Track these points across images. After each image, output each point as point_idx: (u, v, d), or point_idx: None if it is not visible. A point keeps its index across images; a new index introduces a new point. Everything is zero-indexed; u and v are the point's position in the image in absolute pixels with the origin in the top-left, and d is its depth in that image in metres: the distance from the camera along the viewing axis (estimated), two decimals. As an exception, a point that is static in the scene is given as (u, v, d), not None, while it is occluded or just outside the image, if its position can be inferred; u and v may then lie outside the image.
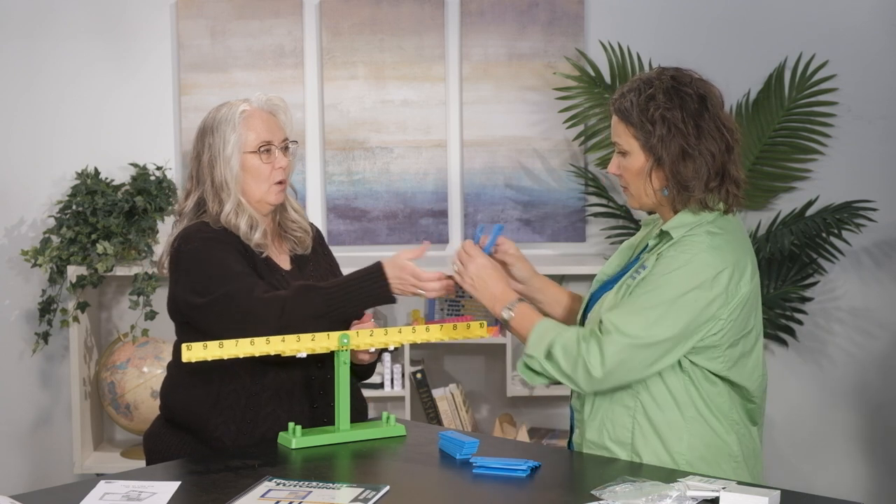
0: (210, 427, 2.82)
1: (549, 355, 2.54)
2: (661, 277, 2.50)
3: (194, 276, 2.78)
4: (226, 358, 2.65)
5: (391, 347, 2.84)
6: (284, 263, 2.93)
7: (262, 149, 2.86)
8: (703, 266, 2.50)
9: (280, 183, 2.89)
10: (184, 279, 2.80)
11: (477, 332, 2.83)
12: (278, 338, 2.68)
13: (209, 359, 2.62)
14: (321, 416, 2.84)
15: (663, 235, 2.60)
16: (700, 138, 2.54)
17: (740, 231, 2.62)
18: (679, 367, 2.55)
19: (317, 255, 3.01)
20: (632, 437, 2.57)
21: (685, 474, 2.40)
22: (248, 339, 2.66)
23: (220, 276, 2.75)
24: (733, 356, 2.56)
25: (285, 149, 2.91)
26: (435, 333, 2.81)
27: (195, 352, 2.61)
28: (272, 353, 2.68)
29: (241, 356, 2.66)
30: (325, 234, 4.04)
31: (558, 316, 2.81)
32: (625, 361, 2.49)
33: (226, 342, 2.64)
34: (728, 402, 2.59)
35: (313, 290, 2.72)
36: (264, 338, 2.67)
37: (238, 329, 2.68)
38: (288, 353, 2.71)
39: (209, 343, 2.62)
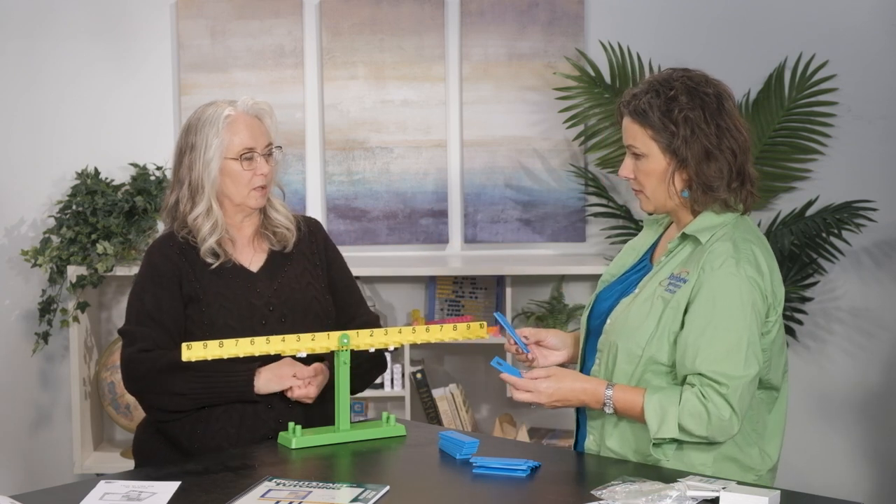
0: (169, 425, 2.86)
1: (681, 429, 2.50)
2: (726, 313, 2.48)
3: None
4: (226, 357, 2.66)
5: (390, 348, 2.85)
6: (256, 263, 2.94)
7: (243, 156, 2.86)
8: (750, 280, 2.49)
9: (261, 188, 2.90)
10: None
11: (477, 332, 2.83)
12: (278, 337, 2.69)
13: (209, 358, 2.63)
14: (277, 417, 2.85)
15: (685, 238, 2.59)
16: (721, 138, 2.53)
17: (757, 230, 2.63)
18: None
19: (300, 253, 2.99)
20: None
21: (685, 474, 2.40)
22: (248, 339, 2.67)
23: (130, 311, 2.89)
24: (771, 356, 2.58)
25: (269, 154, 2.91)
26: (435, 334, 2.82)
27: (195, 351, 2.62)
28: (272, 352, 2.69)
29: (242, 356, 2.67)
30: (325, 234, 4.04)
31: (572, 351, 2.81)
32: (745, 401, 2.50)
33: (226, 342, 2.65)
34: (756, 413, 2.59)
35: (182, 370, 2.75)
36: (264, 337, 2.68)
37: (126, 367, 2.84)
38: (288, 353, 2.72)
39: (209, 343, 2.63)
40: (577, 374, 2.63)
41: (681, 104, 2.53)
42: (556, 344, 2.80)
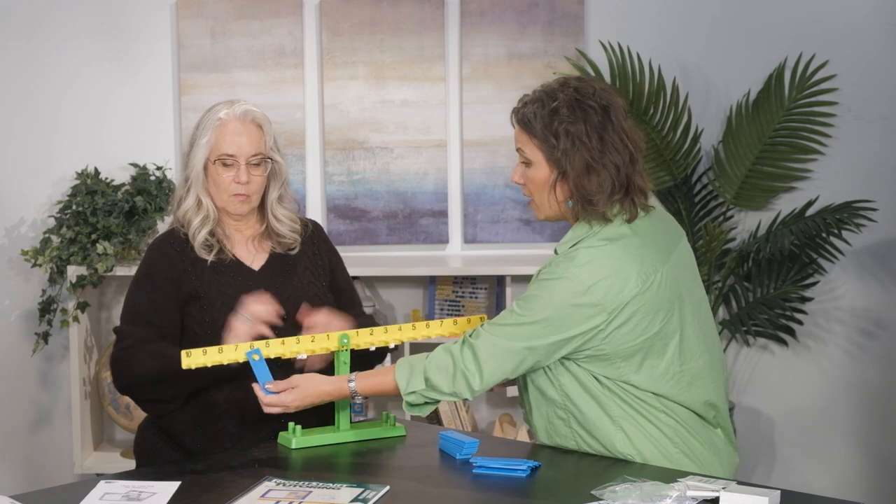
0: (171, 425, 2.86)
1: (427, 382, 2.56)
2: (536, 293, 2.52)
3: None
4: (225, 363, 2.66)
5: (391, 346, 2.85)
6: (258, 262, 2.94)
7: (219, 161, 2.87)
8: (574, 282, 2.48)
9: (242, 196, 2.89)
10: None
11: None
12: (278, 340, 2.69)
13: (209, 364, 2.64)
14: (279, 416, 2.83)
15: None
16: (604, 151, 2.52)
17: (631, 237, 2.55)
18: (591, 375, 2.55)
19: (303, 253, 2.99)
20: (576, 443, 2.60)
21: (685, 474, 2.40)
22: (248, 343, 2.67)
23: (125, 310, 2.90)
24: (635, 363, 2.54)
25: (257, 164, 2.90)
26: (435, 330, 2.82)
27: (195, 358, 2.62)
28: (272, 356, 2.69)
29: (242, 360, 2.67)
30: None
31: None
32: (497, 369, 2.53)
33: (225, 347, 2.65)
34: (650, 400, 2.56)
35: (151, 357, 2.76)
36: (263, 341, 2.68)
37: (113, 366, 2.85)
38: (288, 356, 2.72)
39: (209, 349, 2.63)
40: (320, 379, 2.68)
41: (561, 117, 2.53)
42: None
